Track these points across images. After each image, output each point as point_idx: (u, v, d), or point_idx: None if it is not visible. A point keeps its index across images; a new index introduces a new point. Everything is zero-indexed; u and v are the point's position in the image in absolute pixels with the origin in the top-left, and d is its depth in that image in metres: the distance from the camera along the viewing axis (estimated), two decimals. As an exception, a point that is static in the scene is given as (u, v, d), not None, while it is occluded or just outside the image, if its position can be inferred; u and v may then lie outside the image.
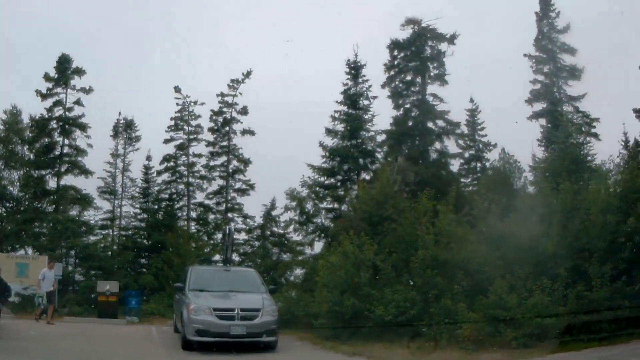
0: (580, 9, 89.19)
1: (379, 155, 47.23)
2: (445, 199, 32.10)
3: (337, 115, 47.41)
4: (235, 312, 24.94)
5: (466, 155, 53.61)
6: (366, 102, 47.46)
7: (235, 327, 24.71)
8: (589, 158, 35.41)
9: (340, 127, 47.15)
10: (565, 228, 27.85)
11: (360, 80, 47.90)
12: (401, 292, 28.33)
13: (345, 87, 47.73)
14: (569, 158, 34.19)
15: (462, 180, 52.18)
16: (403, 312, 27.58)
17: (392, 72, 48.20)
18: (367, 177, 44.83)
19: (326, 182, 46.79)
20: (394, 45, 48.40)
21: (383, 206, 33.83)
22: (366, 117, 47.44)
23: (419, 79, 47.55)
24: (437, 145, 47.10)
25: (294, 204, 45.36)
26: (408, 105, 47.48)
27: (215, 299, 26.02)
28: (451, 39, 47.52)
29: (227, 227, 46.04)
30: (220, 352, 24.33)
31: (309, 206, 45.75)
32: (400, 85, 47.84)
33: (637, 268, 25.89)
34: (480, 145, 54.38)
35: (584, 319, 24.51)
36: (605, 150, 48.20)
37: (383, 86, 48.04)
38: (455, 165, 49.82)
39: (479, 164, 54.19)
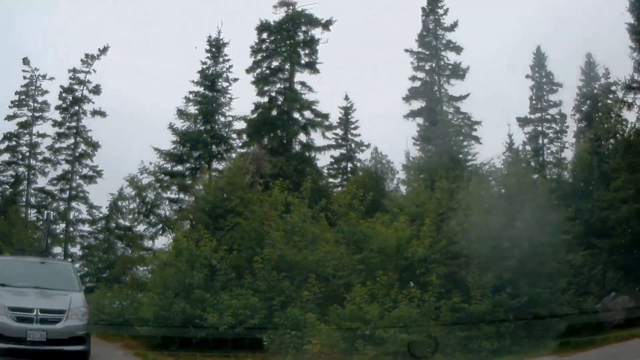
0: (471, 8, 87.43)
1: (235, 143, 43.11)
2: (299, 191, 28.35)
3: (191, 96, 42.39)
4: (34, 313, 19.81)
5: (337, 154, 51.22)
6: (225, 84, 42.72)
7: (33, 332, 19.53)
8: (469, 157, 34.23)
9: (193, 109, 42.08)
10: (440, 230, 25.25)
11: (220, 59, 43.04)
12: (241, 298, 24.26)
13: (204, 66, 42.83)
14: (447, 156, 32.06)
15: (332, 180, 49.71)
16: (242, 322, 23.57)
17: (259, 56, 44.22)
18: (221, 167, 40.68)
19: (174, 169, 41.76)
20: (263, 27, 44.44)
21: (229, 197, 29.28)
22: (224, 100, 42.69)
23: (287, 66, 43.81)
24: (303, 137, 43.57)
25: (134, 192, 40.36)
26: (274, 94, 43.84)
27: (14, 296, 20.81)
28: (326, 25, 44.04)
29: (46, 212, 40.90)
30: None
31: (151, 195, 40.58)
32: (267, 70, 44.01)
33: (523, 278, 23.38)
34: (353, 145, 51.72)
35: (460, 335, 22.20)
36: (489, 154, 46.45)
37: (248, 71, 43.94)
38: (323, 161, 46.85)
39: (350, 164, 51.52)
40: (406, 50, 49.00)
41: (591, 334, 23.18)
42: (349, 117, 51.87)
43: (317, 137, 44.04)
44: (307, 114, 43.43)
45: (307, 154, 43.21)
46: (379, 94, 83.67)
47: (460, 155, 32.93)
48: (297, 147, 43.03)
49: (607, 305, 26.16)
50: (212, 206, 29.80)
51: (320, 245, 25.65)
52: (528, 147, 49.10)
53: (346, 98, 51.62)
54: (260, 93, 43.25)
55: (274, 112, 43.31)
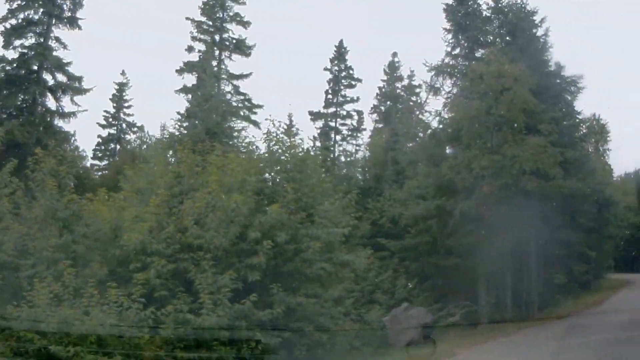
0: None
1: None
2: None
3: None
4: None
5: (105, 134, 47.00)
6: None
7: None
8: (236, 136, 30.68)
9: None
10: (171, 213, 20.04)
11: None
12: None
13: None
14: (205, 128, 28.00)
15: (97, 162, 45.92)
16: None
17: (14, 5, 37.99)
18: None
19: None
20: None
21: None
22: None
23: (46, 18, 38.01)
24: (52, 102, 37.86)
25: None
26: (25, 50, 37.71)
27: None
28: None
29: None
30: None
31: None
32: (23, 22, 37.90)
33: (279, 281, 18.85)
34: (124, 125, 47.53)
35: (182, 356, 16.13)
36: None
37: (0, 21, 37.82)
38: (87, 138, 40.64)
39: (118, 146, 46.87)
40: (187, 19, 45.06)
41: (376, 354, 19.82)
42: (123, 94, 46.71)
43: (67, 102, 38.51)
44: (60, 76, 38.13)
45: (49, 119, 37.68)
46: (158, 65, 77.48)
47: (224, 131, 28.68)
48: (42, 112, 37.61)
49: (398, 318, 23.83)
50: None
51: (2, 224, 20.08)
52: (318, 143, 45.97)
53: (123, 73, 47.13)
54: (8, 45, 37.35)
55: (22, 71, 37.60)
